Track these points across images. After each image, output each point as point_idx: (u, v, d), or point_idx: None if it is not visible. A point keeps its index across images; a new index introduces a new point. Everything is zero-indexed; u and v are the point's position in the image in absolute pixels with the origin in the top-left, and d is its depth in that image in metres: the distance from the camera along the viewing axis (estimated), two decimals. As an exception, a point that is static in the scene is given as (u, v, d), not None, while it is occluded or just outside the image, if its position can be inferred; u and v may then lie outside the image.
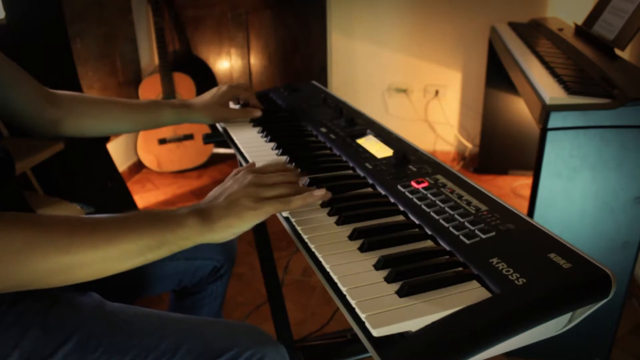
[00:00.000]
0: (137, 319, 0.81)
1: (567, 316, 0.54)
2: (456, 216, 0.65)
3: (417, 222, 0.67)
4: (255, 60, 3.00)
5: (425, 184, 0.74)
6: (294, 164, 0.87)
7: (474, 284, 0.55)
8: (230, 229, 0.65)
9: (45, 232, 0.58)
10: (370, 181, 0.80)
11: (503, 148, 2.68)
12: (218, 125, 1.15)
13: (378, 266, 0.58)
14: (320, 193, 0.69)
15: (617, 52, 1.58)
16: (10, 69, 0.88)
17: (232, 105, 1.16)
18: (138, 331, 0.78)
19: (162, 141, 2.82)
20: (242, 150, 0.97)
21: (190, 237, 0.64)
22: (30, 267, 0.57)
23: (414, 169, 0.79)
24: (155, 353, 0.76)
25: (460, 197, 0.70)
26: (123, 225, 0.62)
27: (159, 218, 0.64)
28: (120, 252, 0.61)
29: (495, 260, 0.56)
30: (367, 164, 0.83)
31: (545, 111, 1.19)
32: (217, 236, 0.65)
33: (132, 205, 2.31)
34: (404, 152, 0.83)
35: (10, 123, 0.89)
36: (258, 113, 1.12)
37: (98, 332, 0.76)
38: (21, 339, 0.73)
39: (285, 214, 0.71)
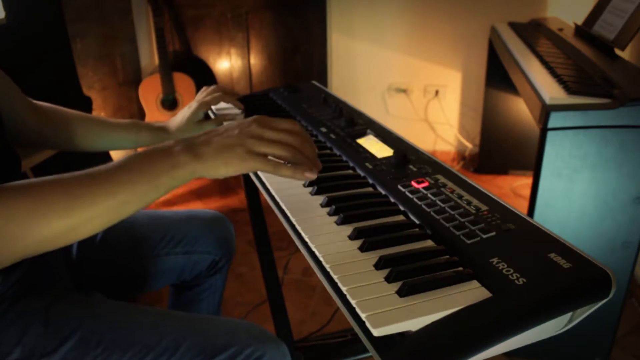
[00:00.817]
0: (138, 316, 0.81)
1: (567, 316, 0.54)
2: (456, 216, 0.65)
3: (417, 222, 0.67)
4: (255, 60, 3.00)
5: (425, 184, 0.74)
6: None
7: (474, 283, 0.55)
8: (216, 170, 0.66)
9: (44, 200, 0.59)
10: (370, 181, 0.80)
11: (503, 148, 2.68)
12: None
13: (378, 266, 0.58)
14: (310, 175, 0.69)
15: (617, 52, 1.58)
16: None
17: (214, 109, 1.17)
18: (139, 328, 0.78)
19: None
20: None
21: (182, 176, 0.65)
22: (35, 235, 0.59)
23: (414, 169, 0.79)
24: (156, 350, 0.76)
25: (460, 197, 0.70)
26: (118, 176, 0.63)
27: (153, 161, 0.64)
28: (119, 202, 0.62)
29: (495, 260, 0.56)
30: (367, 164, 0.83)
31: (545, 111, 1.19)
32: (206, 173, 0.66)
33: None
34: (404, 152, 0.83)
35: None
36: (228, 117, 1.12)
37: (99, 329, 0.77)
38: (23, 336, 0.73)
39: (287, 213, 0.71)
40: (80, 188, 0.61)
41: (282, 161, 0.69)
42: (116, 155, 2.57)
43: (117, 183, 0.62)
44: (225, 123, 0.72)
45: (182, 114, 1.10)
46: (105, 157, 2.27)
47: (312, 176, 0.69)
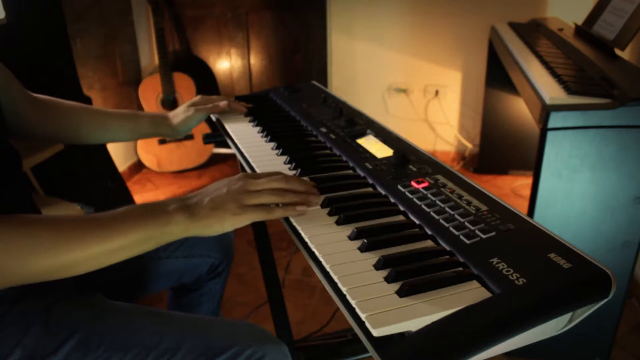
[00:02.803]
0: (138, 318, 0.81)
1: (567, 316, 0.54)
2: (456, 216, 0.65)
3: (417, 222, 0.67)
4: (255, 60, 3.00)
5: (425, 184, 0.74)
6: (293, 164, 0.87)
7: (474, 284, 0.55)
8: (211, 229, 0.69)
9: (45, 237, 0.62)
10: (370, 181, 0.80)
11: (503, 148, 2.68)
12: (219, 127, 1.15)
13: (378, 266, 0.58)
14: (302, 209, 0.71)
15: (617, 52, 1.58)
16: None
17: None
18: (139, 329, 0.78)
19: (162, 141, 2.82)
20: (242, 150, 0.97)
21: (175, 232, 0.68)
22: (31, 267, 0.62)
23: (414, 169, 0.79)
24: (156, 351, 0.76)
25: (460, 197, 0.70)
26: (115, 224, 0.66)
27: (148, 215, 0.68)
28: (111, 248, 0.66)
29: (495, 260, 0.56)
30: (367, 164, 0.83)
31: (545, 111, 1.19)
32: (200, 232, 0.69)
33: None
34: (404, 152, 0.83)
35: None
36: (223, 105, 1.12)
37: (99, 331, 0.77)
38: (23, 337, 0.73)
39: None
40: (70, 231, 0.64)
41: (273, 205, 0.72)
42: (116, 155, 2.57)
43: (112, 230, 0.65)
44: (215, 183, 0.75)
45: (185, 114, 1.10)
46: (105, 156, 2.27)
47: (305, 209, 0.71)
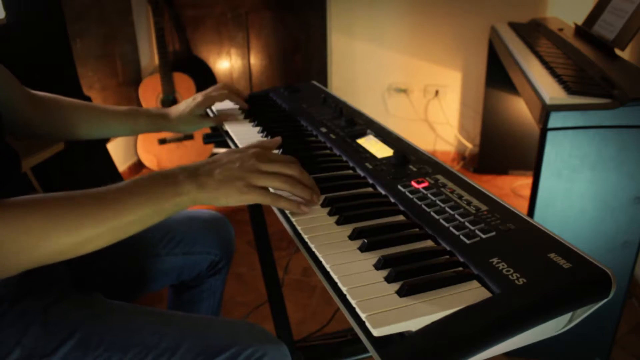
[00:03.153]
0: (138, 317, 0.81)
1: (567, 316, 0.54)
2: (456, 216, 0.65)
3: (417, 222, 0.67)
4: (255, 60, 3.00)
5: (425, 184, 0.74)
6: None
7: (474, 283, 0.55)
8: (216, 201, 0.69)
9: (56, 216, 0.62)
10: (370, 181, 0.80)
11: (503, 148, 2.68)
12: (219, 126, 1.15)
13: (378, 266, 0.58)
14: (306, 209, 0.70)
15: (617, 52, 1.58)
16: None
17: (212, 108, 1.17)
18: (139, 329, 0.78)
19: (162, 141, 2.82)
20: (242, 150, 0.97)
21: (185, 202, 0.68)
22: (44, 248, 0.62)
23: (414, 169, 0.79)
24: (156, 351, 0.76)
25: (460, 197, 0.70)
26: (126, 198, 0.66)
27: (159, 187, 0.67)
28: (125, 223, 0.66)
29: (495, 260, 0.56)
30: (367, 164, 0.83)
31: (545, 111, 1.19)
32: (207, 202, 0.69)
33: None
34: (404, 152, 0.83)
35: None
36: (230, 118, 1.13)
37: (99, 330, 0.77)
38: (22, 337, 0.73)
39: (287, 213, 0.71)
40: (90, 207, 0.64)
41: (279, 193, 0.71)
42: (116, 155, 2.57)
43: (125, 205, 0.65)
44: (227, 154, 0.74)
45: (186, 104, 1.10)
46: (105, 156, 2.27)
47: (308, 210, 0.71)
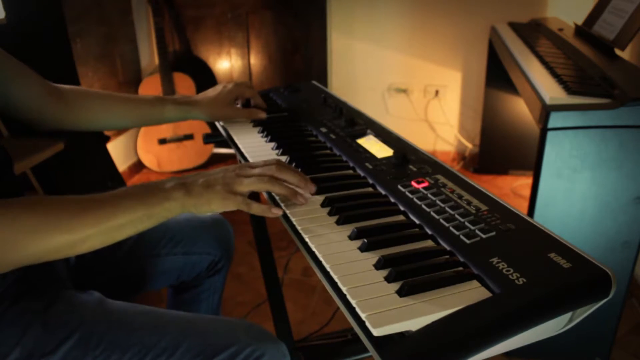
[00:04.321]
0: (137, 317, 0.81)
1: (567, 316, 0.54)
2: (456, 216, 0.65)
3: (417, 222, 0.67)
4: (255, 60, 3.00)
5: (425, 184, 0.74)
6: (294, 164, 0.87)
7: (474, 283, 0.55)
8: (201, 208, 0.72)
9: (51, 216, 0.65)
10: (370, 181, 0.80)
11: (503, 148, 2.68)
12: (218, 125, 1.15)
13: (378, 266, 0.58)
14: (277, 212, 0.73)
15: (617, 52, 1.58)
16: (10, 63, 0.90)
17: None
18: (138, 329, 0.78)
19: (162, 141, 2.82)
20: (242, 150, 0.97)
21: (174, 208, 0.72)
22: (37, 247, 0.64)
23: (414, 169, 0.79)
24: (155, 350, 0.76)
25: (460, 197, 0.70)
26: (118, 202, 0.69)
27: (148, 193, 0.71)
28: (116, 225, 0.68)
29: (495, 260, 0.56)
30: (367, 164, 0.83)
31: (545, 111, 1.19)
32: (194, 209, 0.73)
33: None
34: (404, 152, 0.83)
35: (13, 117, 0.91)
36: (262, 114, 1.12)
37: (99, 330, 0.77)
38: (22, 336, 0.73)
39: (287, 212, 0.72)
40: (84, 208, 0.67)
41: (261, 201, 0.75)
42: (116, 155, 2.57)
43: (117, 208, 0.68)
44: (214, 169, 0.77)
45: (217, 90, 1.09)
46: (105, 155, 2.27)
47: (279, 213, 0.73)
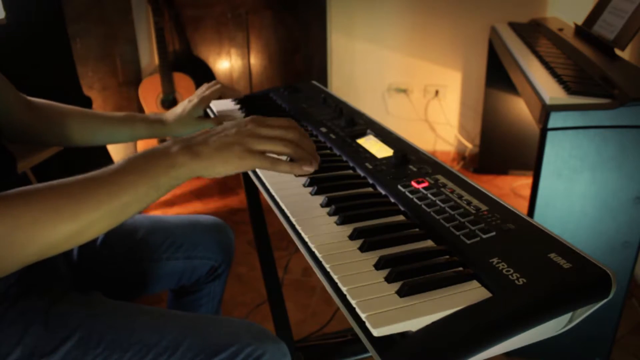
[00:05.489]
0: (138, 316, 0.81)
1: (567, 316, 0.54)
2: (456, 216, 0.65)
3: (417, 222, 0.67)
4: (255, 60, 3.00)
5: (425, 184, 0.74)
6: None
7: (474, 283, 0.55)
8: (213, 170, 0.66)
9: (51, 206, 0.60)
10: (370, 181, 0.80)
11: (503, 148, 2.68)
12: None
13: (378, 266, 0.58)
14: (309, 169, 0.68)
15: (617, 52, 1.58)
16: None
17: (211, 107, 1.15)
18: (139, 328, 0.78)
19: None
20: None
21: (182, 175, 0.65)
22: (40, 242, 0.59)
23: (414, 169, 0.79)
24: (156, 350, 0.76)
25: (460, 197, 0.70)
26: (120, 178, 0.64)
27: (153, 162, 0.65)
28: (122, 204, 0.63)
29: (495, 260, 0.56)
30: (367, 164, 0.83)
31: (545, 111, 1.19)
32: (204, 172, 0.66)
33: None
34: (404, 152, 0.83)
35: None
36: (229, 118, 1.10)
37: (99, 329, 0.77)
38: (23, 336, 0.73)
39: (287, 213, 0.71)
40: (84, 192, 0.62)
41: (280, 157, 0.69)
42: (116, 155, 2.57)
43: (120, 185, 0.63)
44: (224, 123, 0.72)
45: (182, 107, 1.07)
46: (105, 155, 2.27)
47: (310, 169, 0.69)
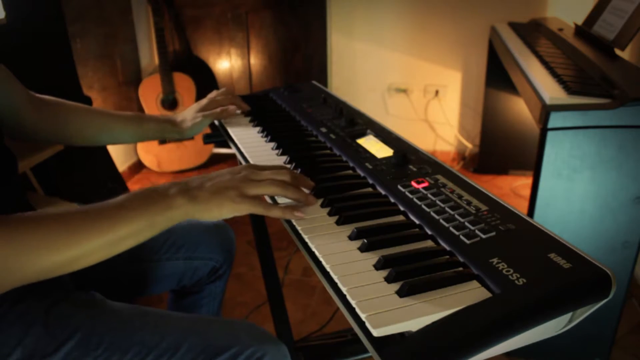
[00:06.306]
0: (138, 317, 0.81)
1: (567, 316, 0.54)
2: (456, 216, 0.65)
3: (417, 222, 0.67)
4: (255, 60, 3.00)
5: (425, 184, 0.74)
6: (294, 164, 0.87)
7: (474, 284, 0.55)
8: (209, 213, 0.68)
9: (46, 235, 0.61)
10: (370, 181, 0.80)
11: (503, 148, 2.68)
12: (218, 124, 1.15)
13: (378, 266, 0.58)
14: (300, 215, 0.70)
15: (617, 52, 1.58)
16: None
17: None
18: (139, 329, 0.78)
19: (163, 141, 2.82)
20: (242, 150, 0.97)
21: (177, 216, 0.68)
22: (36, 266, 0.61)
23: (414, 169, 0.79)
24: (156, 351, 0.76)
25: (460, 197, 0.70)
26: (117, 213, 0.66)
27: (149, 201, 0.67)
28: (117, 238, 0.65)
29: (495, 260, 0.56)
30: (367, 164, 0.83)
31: (545, 111, 1.19)
32: (199, 216, 0.69)
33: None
34: (404, 152, 0.83)
35: None
36: (232, 109, 1.12)
37: (100, 330, 0.77)
38: (23, 337, 0.73)
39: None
40: (83, 224, 0.64)
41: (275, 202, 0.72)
42: (116, 155, 2.57)
43: (117, 220, 0.65)
44: (219, 170, 0.74)
45: (191, 108, 1.10)
46: (105, 157, 2.27)
47: (302, 215, 0.70)
